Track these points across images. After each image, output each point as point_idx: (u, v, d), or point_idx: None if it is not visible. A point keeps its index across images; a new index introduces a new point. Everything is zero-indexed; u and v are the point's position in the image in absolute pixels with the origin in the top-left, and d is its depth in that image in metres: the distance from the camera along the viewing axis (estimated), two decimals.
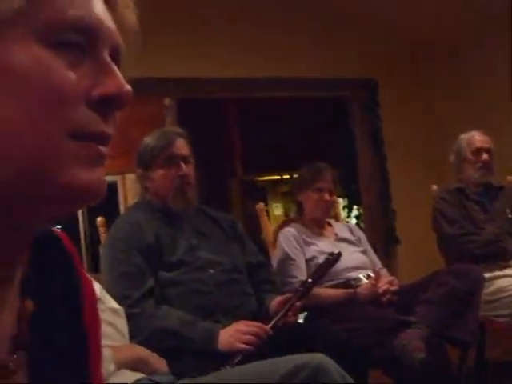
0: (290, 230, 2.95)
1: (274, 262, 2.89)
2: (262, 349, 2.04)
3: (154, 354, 1.77)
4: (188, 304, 2.14)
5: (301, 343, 2.13)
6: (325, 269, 2.45)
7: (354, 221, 7.03)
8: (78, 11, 0.58)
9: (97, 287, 1.70)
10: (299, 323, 2.55)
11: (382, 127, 5.03)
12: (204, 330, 2.07)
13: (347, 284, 2.78)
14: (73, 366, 0.70)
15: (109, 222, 2.55)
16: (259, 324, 2.10)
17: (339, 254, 2.46)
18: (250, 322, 2.11)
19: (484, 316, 2.87)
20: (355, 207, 7.21)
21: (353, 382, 1.54)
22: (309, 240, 2.93)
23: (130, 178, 5.19)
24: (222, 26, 4.43)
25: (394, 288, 2.71)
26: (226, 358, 2.01)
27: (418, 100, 5.20)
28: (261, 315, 2.27)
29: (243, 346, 2.02)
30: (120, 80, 0.60)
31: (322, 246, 2.91)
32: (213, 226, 2.44)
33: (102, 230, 2.58)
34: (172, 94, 5.00)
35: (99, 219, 2.61)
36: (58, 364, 0.68)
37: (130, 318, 1.83)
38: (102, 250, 2.40)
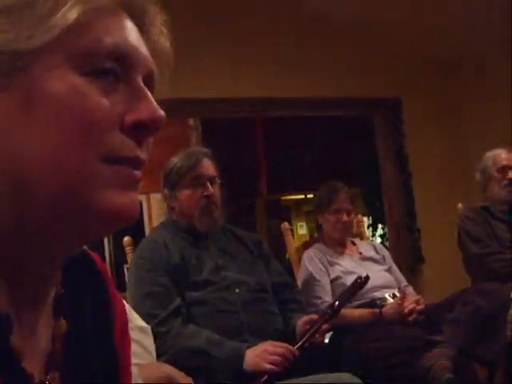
0: (314, 251, 2.96)
1: (299, 281, 2.90)
2: (288, 368, 2.04)
3: (181, 373, 1.78)
4: (214, 323, 2.15)
5: (326, 363, 2.13)
6: (352, 292, 2.45)
7: (378, 239, 7.01)
8: (114, 39, 0.60)
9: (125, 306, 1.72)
10: (325, 343, 2.55)
11: (405, 145, 5.02)
12: (231, 350, 2.07)
13: (373, 303, 2.77)
14: None
15: (135, 242, 2.58)
16: (286, 345, 2.10)
17: (367, 278, 2.45)
18: (277, 343, 2.11)
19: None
20: (380, 226, 7.19)
21: None
22: (333, 260, 2.93)
23: (155, 197, 5.22)
24: (247, 45, 4.47)
25: (420, 307, 2.69)
26: (252, 378, 2.01)
27: (443, 118, 5.19)
28: (287, 335, 2.27)
29: (269, 366, 2.02)
30: (153, 105, 0.62)
31: (347, 266, 2.91)
32: (238, 246, 2.45)
33: (128, 249, 2.61)
34: (196, 115, 5.05)
35: (126, 239, 2.63)
36: (90, 383, 0.70)
37: (156, 336, 1.84)
38: (128, 270, 2.43)
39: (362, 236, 3.40)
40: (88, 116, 0.58)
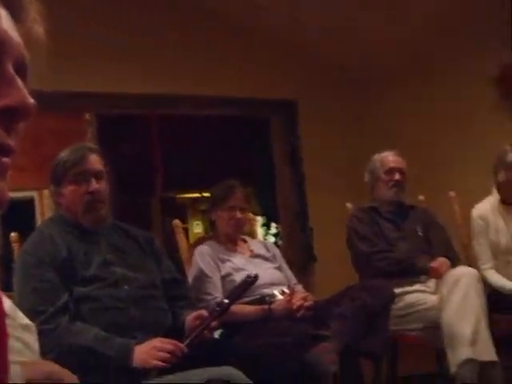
0: (205, 248, 2.97)
1: (190, 278, 2.90)
2: (178, 364, 2.04)
3: (66, 371, 1.75)
4: (102, 320, 2.12)
5: (216, 359, 2.15)
6: (242, 290, 2.48)
7: (272, 238, 7.12)
8: None
9: (7, 303, 1.67)
10: (215, 339, 2.57)
11: (301, 146, 5.12)
12: (119, 346, 2.05)
13: (262, 300, 2.81)
14: None
15: (24, 238, 2.49)
16: (174, 342, 2.10)
17: (256, 277, 2.48)
18: (166, 340, 2.10)
19: (395, 330, 2.97)
20: (274, 225, 7.30)
21: None
22: (224, 257, 2.95)
23: (47, 193, 5.09)
24: (145, 42, 4.43)
25: (308, 303, 2.76)
26: (140, 375, 2.00)
27: (339, 120, 5.33)
28: (176, 331, 2.27)
29: (158, 362, 2.02)
30: (23, 92, 0.61)
31: (237, 263, 2.94)
32: (129, 242, 2.43)
33: (15, 245, 2.52)
34: (92, 109, 4.96)
35: (13, 234, 2.55)
36: None
37: (42, 333, 1.80)
38: (14, 265, 2.35)
39: (253, 234, 3.44)
40: None
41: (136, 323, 2.17)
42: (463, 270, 2.93)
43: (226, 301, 2.34)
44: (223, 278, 2.88)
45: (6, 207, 0.61)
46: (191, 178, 7.73)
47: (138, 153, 7.33)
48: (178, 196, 9.10)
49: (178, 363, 2.04)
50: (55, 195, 2.36)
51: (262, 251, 3.12)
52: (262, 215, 7.23)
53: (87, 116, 5.16)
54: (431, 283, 3.09)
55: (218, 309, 2.30)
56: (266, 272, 2.92)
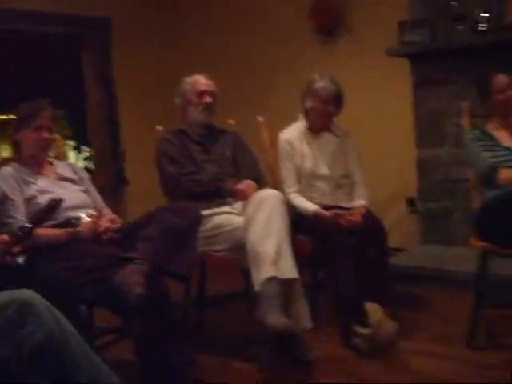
0: (8, 169, 2.83)
1: None
2: None
3: None
4: None
5: (20, 284, 2.07)
6: (45, 213, 2.40)
7: (83, 162, 6.95)
8: None
9: None
10: (19, 264, 2.48)
11: (112, 67, 4.98)
12: None
13: (68, 223, 2.74)
14: None
15: None
16: None
17: (60, 200, 2.42)
18: None
19: (203, 251, 3.03)
20: (85, 149, 7.12)
21: (59, 313, 1.56)
22: (28, 179, 2.82)
23: None
24: None
25: (115, 226, 2.73)
26: None
27: (153, 41, 5.23)
28: None
29: None
30: None
31: (42, 185, 2.83)
32: None
33: None
34: None
35: None
36: None
37: None
38: None
39: (60, 156, 3.31)
40: None
41: None
42: (268, 192, 3.02)
43: (29, 225, 2.25)
44: (27, 200, 2.76)
45: None
46: None
47: None
48: None
49: None
50: None
51: (69, 174, 3.02)
52: (73, 139, 7.02)
53: None
54: (238, 205, 3.16)
55: (20, 233, 2.20)
56: (72, 195, 2.85)
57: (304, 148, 3.50)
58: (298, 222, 3.30)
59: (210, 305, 3.35)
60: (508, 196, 2.88)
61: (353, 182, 3.55)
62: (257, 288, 2.77)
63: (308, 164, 3.48)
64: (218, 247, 3.08)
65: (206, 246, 3.04)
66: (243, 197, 3.10)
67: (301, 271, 2.95)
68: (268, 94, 5.20)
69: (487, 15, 4.05)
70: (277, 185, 3.57)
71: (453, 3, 4.22)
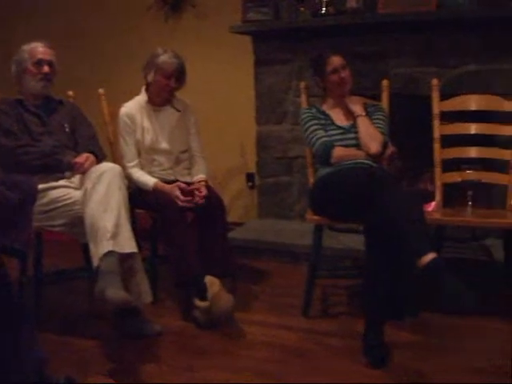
0: None
1: None
2: None
3: None
4: None
5: None
6: None
7: None
8: None
9: None
10: None
11: None
12: None
13: None
14: None
15: None
16: None
17: None
18: None
19: (39, 226, 2.93)
20: None
21: None
22: None
23: None
24: None
25: None
26: None
27: None
28: None
29: None
30: None
31: None
32: None
33: None
34: None
35: None
36: None
37: None
38: None
39: None
40: None
41: None
42: (107, 166, 2.97)
43: None
44: None
45: None
46: None
47: None
48: None
49: None
50: None
51: None
52: None
53: None
54: (76, 179, 3.08)
55: None
56: None
57: (145, 122, 3.46)
58: (137, 196, 3.28)
59: (48, 282, 3.25)
60: (339, 173, 3.03)
61: (192, 157, 3.57)
62: (95, 263, 2.72)
63: (148, 138, 3.46)
64: (56, 222, 2.99)
65: (42, 221, 2.95)
66: (81, 170, 3.03)
67: (140, 245, 2.95)
68: (112, 67, 5.09)
69: None
70: (116, 159, 3.52)
71: None
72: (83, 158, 3.08)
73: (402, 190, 2.73)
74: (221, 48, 4.76)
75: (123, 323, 2.93)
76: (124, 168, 3.25)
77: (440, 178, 3.37)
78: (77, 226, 2.93)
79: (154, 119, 3.48)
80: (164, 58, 3.38)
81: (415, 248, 2.41)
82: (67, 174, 3.09)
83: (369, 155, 3.14)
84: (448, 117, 3.42)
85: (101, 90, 3.64)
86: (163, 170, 3.48)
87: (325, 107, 3.36)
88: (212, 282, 2.99)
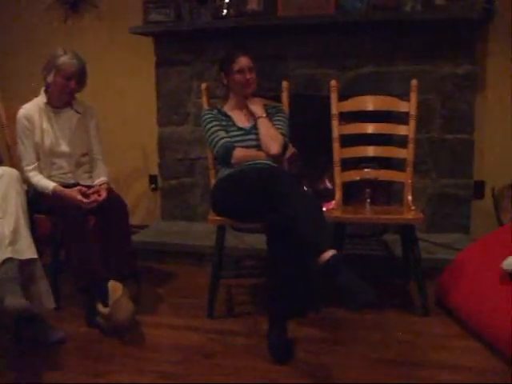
0: None
1: None
2: None
3: None
4: None
5: None
6: None
7: None
8: None
9: None
10: None
11: None
12: None
13: None
14: None
15: None
16: None
17: None
18: None
19: None
20: None
21: None
22: None
23: None
24: None
25: None
26: None
27: None
28: None
29: None
30: None
31: None
32: None
33: None
34: None
35: None
36: None
37: None
38: None
39: None
40: None
41: None
42: (4, 170, 2.87)
43: None
44: None
45: None
46: None
47: None
48: None
49: None
50: None
51: None
52: None
53: None
54: None
55: None
56: None
57: (44, 124, 3.38)
58: (36, 200, 3.21)
59: None
60: (239, 174, 3.07)
61: (93, 160, 3.52)
62: None
63: (48, 141, 3.38)
64: None
65: None
66: None
67: (41, 251, 2.88)
68: (11, 68, 4.95)
69: (228, 1, 4.22)
70: (15, 163, 3.43)
71: None
72: None
73: (301, 190, 2.79)
74: (123, 49, 4.71)
75: (25, 331, 2.85)
76: (22, 172, 3.17)
77: (339, 176, 3.46)
78: None
79: (54, 121, 3.41)
80: (64, 58, 3.30)
81: (315, 246, 2.47)
82: None
83: (269, 156, 3.18)
84: (348, 117, 3.52)
85: None
86: (63, 173, 3.41)
87: (226, 108, 3.39)
88: (115, 287, 2.96)
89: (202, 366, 2.65)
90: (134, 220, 3.82)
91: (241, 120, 3.33)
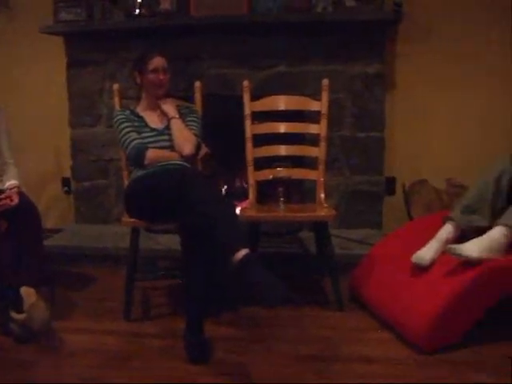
0: None
1: None
2: None
3: None
4: None
5: None
6: None
7: None
8: None
9: None
10: None
11: None
12: None
13: None
14: None
15: None
16: None
17: None
18: None
19: None
20: None
21: None
22: None
23: None
24: None
25: None
26: None
27: None
28: None
29: None
30: None
31: None
32: None
33: None
34: None
35: None
36: None
37: None
38: None
39: None
40: None
41: None
42: None
43: None
44: None
45: None
46: None
47: None
48: None
49: None
50: None
51: None
52: None
53: None
54: None
55: None
56: None
57: None
58: None
59: None
60: (152, 175, 3.05)
61: (4, 164, 3.43)
62: None
63: None
64: None
65: None
66: None
67: None
68: None
69: (141, 0, 4.20)
70: None
71: None
72: None
73: (214, 190, 2.80)
74: (34, 49, 4.60)
75: None
76: None
77: (253, 176, 3.49)
78: None
79: None
80: None
81: (228, 245, 2.48)
82: None
83: (182, 157, 3.18)
84: (261, 117, 3.55)
85: None
86: None
87: (139, 109, 3.36)
88: (28, 293, 2.89)
89: (120, 369, 2.63)
90: (47, 224, 3.74)
91: (153, 121, 3.32)
